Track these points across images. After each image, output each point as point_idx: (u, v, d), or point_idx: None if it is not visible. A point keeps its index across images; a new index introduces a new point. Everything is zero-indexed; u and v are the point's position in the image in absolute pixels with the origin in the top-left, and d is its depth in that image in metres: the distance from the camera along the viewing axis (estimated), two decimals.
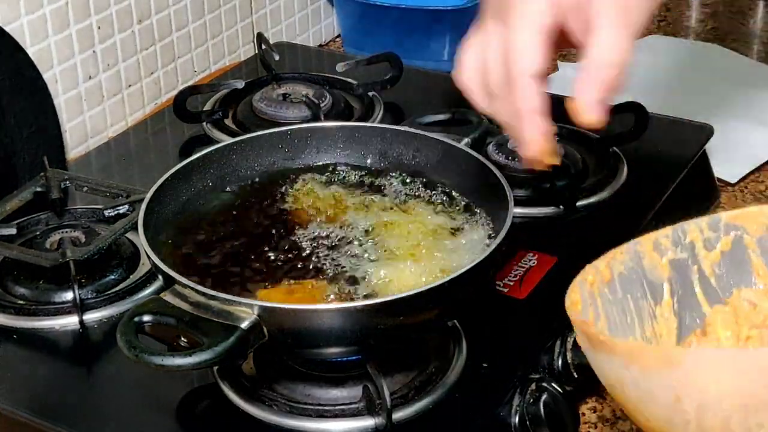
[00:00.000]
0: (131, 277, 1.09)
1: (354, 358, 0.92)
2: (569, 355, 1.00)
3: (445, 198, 1.03)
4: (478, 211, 1.00)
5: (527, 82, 0.76)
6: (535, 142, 0.79)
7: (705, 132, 1.35)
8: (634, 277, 0.81)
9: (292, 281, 0.92)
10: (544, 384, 0.96)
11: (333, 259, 0.95)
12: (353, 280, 0.92)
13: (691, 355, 0.65)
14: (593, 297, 0.79)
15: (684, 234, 0.83)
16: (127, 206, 1.14)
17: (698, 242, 0.83)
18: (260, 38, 1.51)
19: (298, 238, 0.98)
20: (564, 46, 0.79)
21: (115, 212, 1.14)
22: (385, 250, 0.95)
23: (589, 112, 0.77)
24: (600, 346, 0.68)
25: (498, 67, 0.77)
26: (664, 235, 0.82)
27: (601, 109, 0.77)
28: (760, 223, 0.82)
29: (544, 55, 0.76)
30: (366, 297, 0.90)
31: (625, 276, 0.81)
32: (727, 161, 1.40)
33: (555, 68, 1.70)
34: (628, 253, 0.81)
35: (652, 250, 0.82)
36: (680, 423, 0.65)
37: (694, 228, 0.83)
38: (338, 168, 1.08)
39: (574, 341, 1.00)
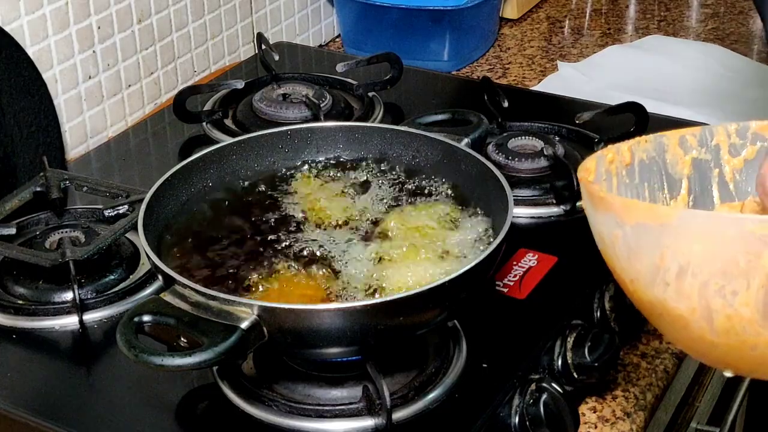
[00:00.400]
0: (131, 277, 1.09)
1: (354, 358, 0.92)
2: (569, 355, 1.00)
3: (444, 197, 1.03)
4: (478, 210, 1.00)
5: None
6: None
7: None
8: (654, 168, 0.82)
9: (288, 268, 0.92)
10: (544, 384, 0.95)
11: (331, 258, 0.95)
12: (351, 278, 0.92)
13: (682, 214, 0.68)
14: (609, 174, 0.79)
15: (711, 136, 0.83)
16: (127, 206, 1.14)
17: (724, 146, 0.83)
18: (260, 38, 1.51)
19: (297, 237, 0.98)
20: None
21: (115, 212, 1.14)
22: (381, 251, 0.95)
23: None
24: (599, 203, 0.71)
25: None
26: (691, 133, 0.83)
27: None
28: None
29: None
30: (367, 295, 0.90)
31: (646, 164, 0.81)
32: None
33: (555, 68, 1.70)
34: (652, 143, 0.82)
35: (677, 145, 0.83)
36: (661, 284, 0.68)
37: (722, 132, 0.83)
38: (336, 165, 1.08)
39: (574, 341, 1.00)
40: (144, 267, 1.10)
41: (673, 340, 0.76)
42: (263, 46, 1.49)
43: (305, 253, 0.96)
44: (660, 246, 0.68)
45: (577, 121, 1.31)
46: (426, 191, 1.04)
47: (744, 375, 0.74)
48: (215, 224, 1.01)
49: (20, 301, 1.06)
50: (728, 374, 0.74)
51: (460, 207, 1.01)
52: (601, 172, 0.79)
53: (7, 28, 1.26)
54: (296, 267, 0.94)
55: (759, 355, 0.68)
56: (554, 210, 1.20)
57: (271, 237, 0.98)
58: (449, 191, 1.03)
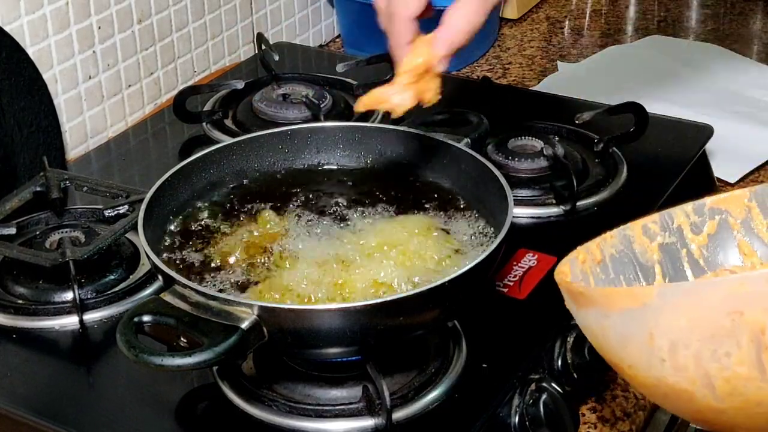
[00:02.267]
0: (131, 277, 1.09)
1: (354, 358, 0.92)
2: (569, 355, 1.00)
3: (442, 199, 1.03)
4: (478, 209, 1.01)
5: (403, 21, 0.94)
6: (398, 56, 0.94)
7: (705, 132, 1.35)
8: (625, 260, 0.85)
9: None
10: (544, 384, 0.96)
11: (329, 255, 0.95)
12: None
13: (659, 290, 0.69)
14: (585, 274, 0.82)
15: (671, 219, 0.87)
16: (127, 206, 1.14)
17: (686, 227, 0.87)
18: (260, 38, 1.51)
19: (296, 236, 0.98)
20: None
21: (115, 212, 1.14)
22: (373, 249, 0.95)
23: (440, 65, 0.94)
24: (581, 300, 0.74)
25: (387, 4, 0.94)
26: (651, 220, 0.87)
27: (447, 62, 0.94)
28: (742, 206, 0.86)
29: (421, 4, 0.93)
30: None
31: (617, 258, 0.84)
32: (727, 161, 1.40)
33: (555, 68, 1.70)
34: (617, 237, 0.85)
35: (642, 234, 0.86)
36: (657, 363, 0.70)
37: (681, 213, 0.87)
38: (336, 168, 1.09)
39: (574, 341, 1.00)
40: (144, 267, 1.10)
41: (683, 416, 0.77)
42: (263, 47, 1.49)
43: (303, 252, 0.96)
44: (647, 327, 0.69)
45: (577, 121, 1.31)
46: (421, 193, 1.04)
47: None
48: (215, 224, 1.01)
49: (20, 301, 1.06)
50: None
51: (457, 207, 1.01)
52: (577, 273, 0.81)
53: (7, 28, 1.26)
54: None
55: (766, 411, 0.69)
56: (554, 210, 1.20)
57: (270, 237, 0.98)
58: (448, 191, 1.04)
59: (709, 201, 0.87)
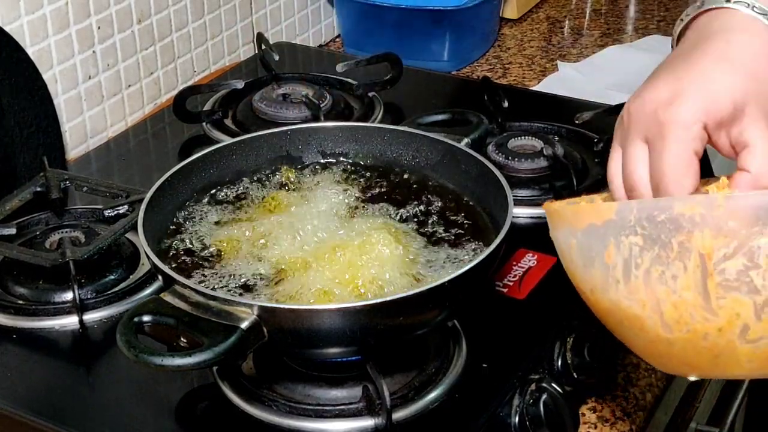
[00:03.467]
0: (131, 277, 1.09)
1: (354, 358, 0.92)
2: (569, 356, 1.00)
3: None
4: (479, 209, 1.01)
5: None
6: None
7: None
8: None
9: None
10: (544, 384, 0.96)
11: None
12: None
13: (619, 206, 0.72)
14: None
15: None
16: (126, 206, 1.14)
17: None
18: (260, 38, 1.51)
19: (294, 237, 0.98)
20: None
21: (115, 212, 1.14)
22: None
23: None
24: (556, 219, 0.77)
25: (648, 190, 0.77)
26: None
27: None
28: None
29: (696, 180, 0.76)
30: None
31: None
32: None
33: (555, 68, 1.70)
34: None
35: None
36: (612, 284, 0.72)
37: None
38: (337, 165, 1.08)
39: (574, 341, 1.00)
40: (144, 267, 1.10)
41: (636, 349, 0.78)
42: (263, 46, 1.49)
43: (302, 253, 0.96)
44: (606, 244, 0.72)
45: (577, 121, 1.31)
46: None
47: (705, 376, 0.76)
48: (215, 224, 1.01)
49: (20, 301, 1.06)
50: (692, 378, 0.76)
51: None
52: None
53: (7, 28, 1.26)
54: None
55: (711, 346, 0.70)
56: None
57: (270, 235, 0.98)
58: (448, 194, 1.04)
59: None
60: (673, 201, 0.71)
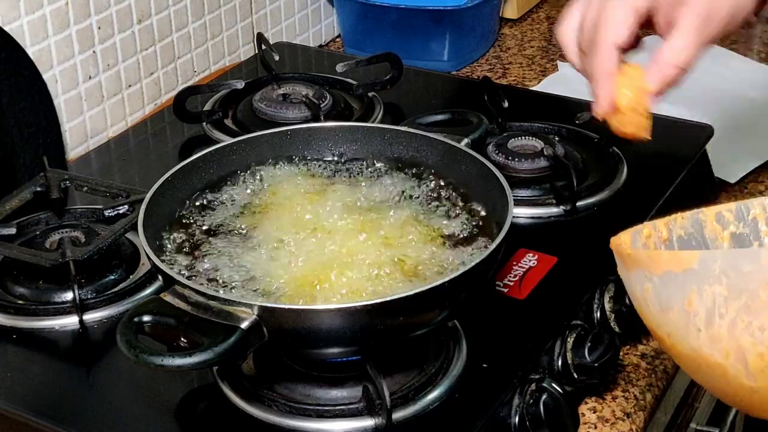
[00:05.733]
0: (131, 277, 1.09)
1: (354, 358, 0.92)
2: (569, 355, 1.00)
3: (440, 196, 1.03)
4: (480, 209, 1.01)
5: (608, 48, 0.87)
6: (603, 102, 0.90)
7: (705, 132, 1.35)
8: (693, 243, 0.84)
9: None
10: (544, 384, 0.95)
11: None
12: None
13: (702, 255, 0.70)
14: (647, 248, 0.82)
15: (748, 210, 0.86)
16: (127, 206, 1.14)
17: (761, 219, 0.86)
18: (260, 38, 1.51)
19: (293, 237, 0.98)
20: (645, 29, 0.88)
21: (115, 212, 1.14)
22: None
23: (651, 102, 0.89)
24: (628, 261, 0.75)
25: (590, 31, 0.88)
26: (727, 209, 0.86)
27: (656, 99, 0.89)
28: None
29: (631, 31, 0.86)
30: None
31: (684, 240, 0.84)
32: (727, 161, 1.40)
33: (555, 68, 1.70)
34: (689, 219, 0.84)
35: (714, 221, 0.85)
36: (693, 332, 0.70)
37: (758, 205, 0.86)
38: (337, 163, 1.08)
39: (574, 341, 1.00)
40: (144, 267, 1.10)
41: (716, 394, 0.77)
42: (263, 46, 1.49)
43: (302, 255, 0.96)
44: (687, 292, 0.70)
45: (577, 121, 1.31)
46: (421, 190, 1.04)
47: None
48: (215, 224, 1.01)
49: (20, 301, 1.06)
50: None
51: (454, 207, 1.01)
52: (639, 246, 0.81)
53: (7, 28, 1.26)
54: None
55: None
56: (554, 210, 1.20)
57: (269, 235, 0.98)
58: (447, 191, 1.04)
59: None
60: (760, 251, 0.70)
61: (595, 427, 1.00)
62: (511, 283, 1.08)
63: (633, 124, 0.91)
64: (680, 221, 0.84)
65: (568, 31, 0.91)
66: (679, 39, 0.85)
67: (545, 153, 1.23)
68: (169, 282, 0.87)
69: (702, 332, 0.70)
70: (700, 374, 0.74)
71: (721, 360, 0.70)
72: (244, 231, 0.99)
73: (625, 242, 0.80)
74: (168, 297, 0.85)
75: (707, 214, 0.85)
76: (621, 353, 1.06)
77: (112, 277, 1.09)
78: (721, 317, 0.68)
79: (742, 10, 0.85)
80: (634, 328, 1.09)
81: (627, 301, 1.07)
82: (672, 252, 0.79)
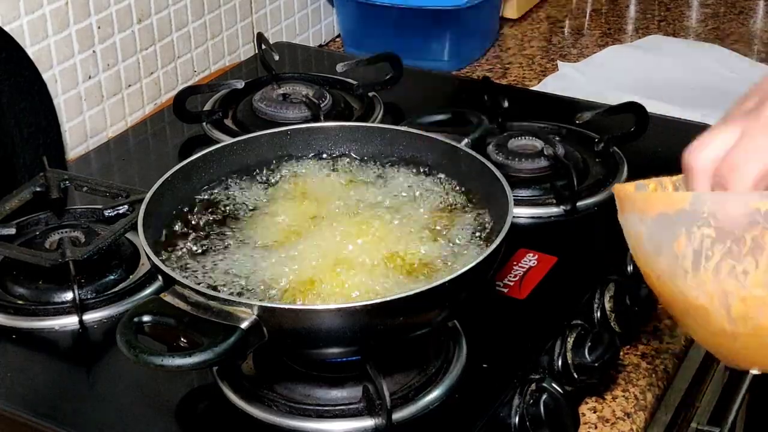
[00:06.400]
0: (131, 277, 1.09)
1: (354, 358, 0.92)
2: (569, 355, 1.00)
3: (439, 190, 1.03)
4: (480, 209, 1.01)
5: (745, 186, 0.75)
6: None
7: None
8: None
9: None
10: (544, 384, 0.95)
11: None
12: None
13: (693, 197, 0.71)
14: None
15: None
16: (126, 206, 1.14)
17: None
18: (260, 38, 1.51)
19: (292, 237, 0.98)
20: None
21: (115, 212, 1.14)
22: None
23: None
24: (625, 203, 0.77)
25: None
26: None
27: None
28: None
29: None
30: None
31: None
32: None
33: (555, 68, 1.70)
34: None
35: None
36: (681, 274, 0.72)
37: None
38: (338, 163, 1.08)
39: (574, 341, 1.00)
40: (144, 267, 1.10)
41: (700, 340, 0.78)
42: (263, 46, 1.49)
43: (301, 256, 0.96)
44: (676, 233, 0.71)
45: (577, 121, 1.31)
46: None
47: (767, 371, 0.76)
48: (215, 224, 1.01)
49: (20, 301, 1.06)
50: (755, 371, 0.76)
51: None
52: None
53: (7, 28, 1.26)
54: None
55: None
56: (554, 210, 1.20)
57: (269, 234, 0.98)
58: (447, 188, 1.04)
59: None
60: (749, 196, 0.70)
61: (596, 427, 1.00)
62: (511, 283, 1.08)
63: None
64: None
65: (706, 163, 0.79)
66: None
67: (545, 153, 1.23)
68: (169, 282, 0.87)
69: (689, 274, 0.71)
70: (685, 318, 0.75)
71: (706, 303, 0.71)
72: (244, 231, 0.99)
73: (628, 189, 0.81)
74: (168, 297, 0.85)
75: None
76: (621, 353, 1.06)
77: (112, 277, 1.09)
78: (707, 260, 0.69)
79: None
80: (634, 328, 1.10)
81: (627, 301, 1.07)
82: (665, 192, 0.80)
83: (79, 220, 1.16)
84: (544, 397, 0.95)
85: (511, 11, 1.85)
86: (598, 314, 1.07)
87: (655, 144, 1.32)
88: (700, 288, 0.71)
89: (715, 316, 0.71)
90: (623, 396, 1.03)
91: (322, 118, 1.32)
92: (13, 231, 1.13)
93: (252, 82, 1.45)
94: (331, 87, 1.45)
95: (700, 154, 0.78)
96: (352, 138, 1.09)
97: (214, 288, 0.91)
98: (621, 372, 1.06)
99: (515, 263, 1.10)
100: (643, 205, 0.75)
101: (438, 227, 0.99)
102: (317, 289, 0.90)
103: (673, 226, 0.72)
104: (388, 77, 1.45)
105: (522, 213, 1.18)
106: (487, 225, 0.99)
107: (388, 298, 0.84)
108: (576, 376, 1.00)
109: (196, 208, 1.02)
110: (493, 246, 0.89)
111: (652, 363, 1.08)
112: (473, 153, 1.03)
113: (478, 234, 0.98)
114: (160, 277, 0.91)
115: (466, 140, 1.09)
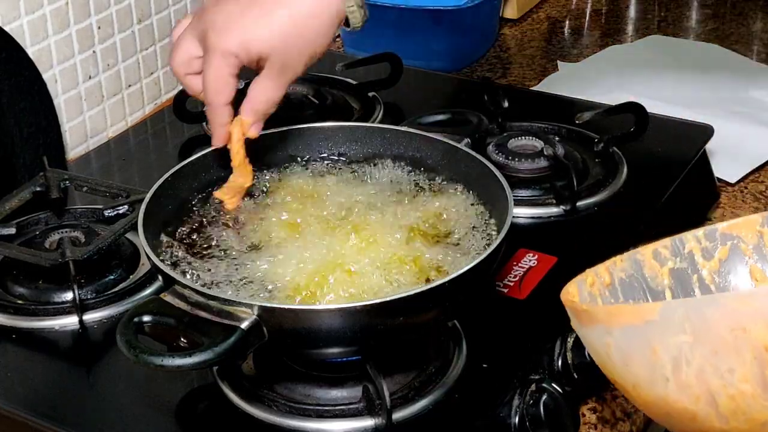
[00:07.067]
0: (131, 277, 1.09)
1: (354, 358, 0.92)
2: (569, 356, 1.00)
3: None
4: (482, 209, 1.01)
5: (221, 109, 0.98)
6: (217, 141, 1.00)
7: (705, 132, 1.35)
8: (635, 284, 0.85)
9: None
10: (544, 384, 0.95)
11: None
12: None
13: (663, 307, 0.69)
14: (593, 296, 0.82)
15: (683, 244, 0.87)
16: (126, 206, 1.14)
17: (697, 252, 0.87)
18: None
19: (292, 238, 0.98)
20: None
21: (115, 212, 1.14)
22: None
23: (250, 131, 1.00)
24: (585, 317, 0.74)
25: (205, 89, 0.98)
26: (662, 245, 0.87)
27: (257, 127, 1.00)
28: (754, 232, 0.86)
29: (231, 95, 0.98)
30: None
31: (626, 282, 0.84)
32: (727, 161, 1.40)
33: (555, 68, 1.70)
34: (628, 261, 0.85)
35: (652, 259, 0.86)
36: (660, 381, 0.70)
37: (692, 238, 0.87)
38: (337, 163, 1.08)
39: (574, 341, 1.00)
40: (144, 267, 1.10)
41: None
42: None
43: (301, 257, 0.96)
44: (650, 344, 0.69)
45: (577, 121, 1.31)
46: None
47: None
48: (215, 224, 1.01)
49: (20, 301, 1.06)
50: None
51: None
52: (585, 295, 0.82)
53: (7, 28, 1.26)
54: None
55: None
56: (554, 210, 1.20)
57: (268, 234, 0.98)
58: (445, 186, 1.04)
59: (720, 227, 0.87)
60: (719, 296, 0.70)
61: (595, 427, 1.00)
62: (511, 283, 1.08)
63: (242, 175, 1.01)
64: (620, 264, 0.85)
65: (182, 66, 1.00)
66: (264, 80, 0.98)
67: (545, 153, 1.23)
68: (169, 282, 0.87)
69: (670, 381, 0.69)
70: (669, 420, 0.73)
71: (691, 405, 0.69)
72: (245, 231, 0.99)
73: (573, 294, 0.80)
74: (168, 297, 0.85)
75: (644, 253, 0.86)
76: None
77: (112, 277, 1.09)
78: (688, 364, 0.68)
79: (318, 51, 1.00)
80: None
81: None
82: (631, 306, 0.79)
83: (79, 220, 1.16)
84: (544, 397, 0.95)
85: (511, 11, 1.85)
86: None
87: (655, 144, 1.32)
88: (684, 392, 0.69)
89: (702, 415, 0.69)
90: (623, 396, 1.03)
91: (322, 118, 1.32)
92: (13, 231, 1.13)
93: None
94: (331, 87, 1.45)
95: (176, 61, 0.98)
96: (352, 138, 1.09)
97: (215, 287, 0.91)
98: None
99: (515, 263, 1.10)
100: (607, 319, 0.72)
101: (438, 227, 0.99)
102: (317, 288, 0.90)
103: (644, 336, 0.70)
104: (388, 77, 1.45)
105: (522, 213, 1.18)
106: (486, 225, 0.99)
107: (388, 298, 0.84)
108: (576, 376, 1.00)
109: (196, 208, 1.03)
110: (493, 246, 0.89)
111: None
112: (473, 153, 1.03)
113: (477, 234, 0.98)
114: (160, 277, 0.91)
115: (466, 140, 1.09)
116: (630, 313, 0.70)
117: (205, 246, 0.98)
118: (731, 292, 0.72)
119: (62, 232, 1.11)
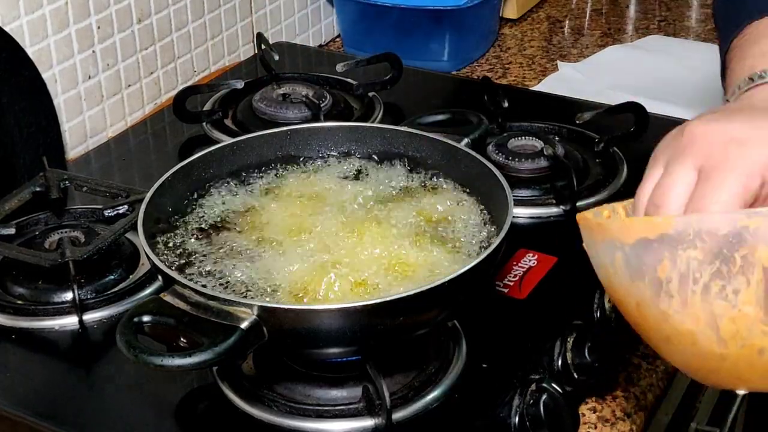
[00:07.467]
0: (131, 277, 1.09)
1: (354, 358, 0.92)
2: (569, 355, 1.00)
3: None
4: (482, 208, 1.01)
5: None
6: None
7: None
8: None
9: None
10: (544, 384, 0.95)
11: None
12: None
13: (678, 221, 0.70)
14: None
15: None
16: (126, 206, 1.14)
17: None
18: (260, 38, 1.51)
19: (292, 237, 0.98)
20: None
21: (115, 212, 1.14)
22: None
23: None
24: (598, 232, 0.75)
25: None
26: None
27: None
28: None
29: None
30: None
31: None
32: None
33: (555, 68, 1.70)
34: None
35: None
36: (664, 298, 0.70)
37: None
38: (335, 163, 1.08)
39: (574, 341, 1.00)
40: (144, 267, 1.10)
41: (683, 365, 0.77)
42: (263, 46, 1.49)
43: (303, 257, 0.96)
44: (659, 258, 0.70)
45: (577, 121, 1.31)
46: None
47: (756, 389, 0.75)
48: (215, 224, 1.01)
49: (20, 301, 1.06)
50: (741, 392, 0.74)
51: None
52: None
53: (7, 28, 1.26)
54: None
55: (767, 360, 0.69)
56: (554, 210, 1.20)
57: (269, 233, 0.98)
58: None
59: None
60: (736, 214, 0.69)
61: (596, 427, 1.00)
62: (511, 283, 1.07)
63: None
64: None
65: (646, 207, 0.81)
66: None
67: (545, 153, 1.23)
68: (169, 282, 0.87)
69: (674, 298, 0.70)
70: (667, 345, 0.73)
71: (692, 326, 0.70)
72: (244, 231, 0.99)
73: (587, 217, 0.80)
74: (168, 297, 0.85)
75: None
76: (621, 353, 1.06)
77: (112, 277, 1.09)
78: (695, 282, 0.69)
79: None
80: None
81: None
82: (646, 218, 0.77)
83: (79, 220, 1.16)
84: (544, 397, 0.95)
85: (511, 11, 1.85)
86: (598, 314, 1.07)
87: (655, 144, 1.32)
88: (686, 311, 0.70)
89: (702, 338, 0.70)
90: (623, 396, 1.03)
91: (322, 118, 1.32)
92: (12, 231, 1.13)
93: (252, 82, 1.45)
94: (331, 87, 1.45)
95: (667, 200, 0.76)
96: (352, 138, 1.09)
97: (215, 287, 0.91)
98: (621, 372, 1.06)
99: (515, 263, 1.10)
100: (620, 232, 0.72)
101: (438, 227, 0.99)
102: (317, 288, 0.90)
103: (655, 250, 0.70)
104: (388, 77, 1.45)
105: (522, 213, 1.18)
106: (486, 225, 0.99)
107: (388, 298, 0.84)
108: (576, 376, 1.00)
109: (195, 208, 1.02)
110: (493, 246, 0.89)
111: (652, 363, 1.08)
112: (473, 153, 1.03)
113: (477, 234, 0.98)
114: (160, 277, 0.91)
115: (466, 140, 1.09)
116: (643, 226, 0.71)
117: (204, 245, 0.98)
118: (747, 210, 0.70)
119: (62, 232, 1.11)
